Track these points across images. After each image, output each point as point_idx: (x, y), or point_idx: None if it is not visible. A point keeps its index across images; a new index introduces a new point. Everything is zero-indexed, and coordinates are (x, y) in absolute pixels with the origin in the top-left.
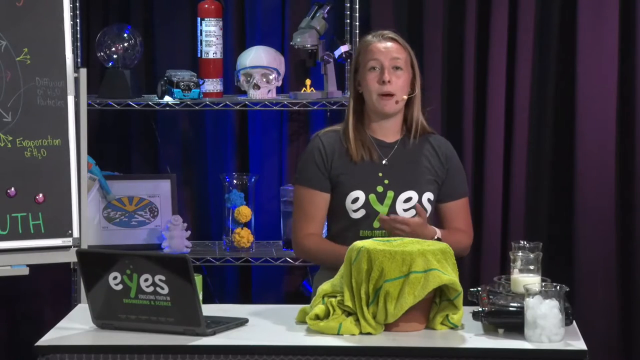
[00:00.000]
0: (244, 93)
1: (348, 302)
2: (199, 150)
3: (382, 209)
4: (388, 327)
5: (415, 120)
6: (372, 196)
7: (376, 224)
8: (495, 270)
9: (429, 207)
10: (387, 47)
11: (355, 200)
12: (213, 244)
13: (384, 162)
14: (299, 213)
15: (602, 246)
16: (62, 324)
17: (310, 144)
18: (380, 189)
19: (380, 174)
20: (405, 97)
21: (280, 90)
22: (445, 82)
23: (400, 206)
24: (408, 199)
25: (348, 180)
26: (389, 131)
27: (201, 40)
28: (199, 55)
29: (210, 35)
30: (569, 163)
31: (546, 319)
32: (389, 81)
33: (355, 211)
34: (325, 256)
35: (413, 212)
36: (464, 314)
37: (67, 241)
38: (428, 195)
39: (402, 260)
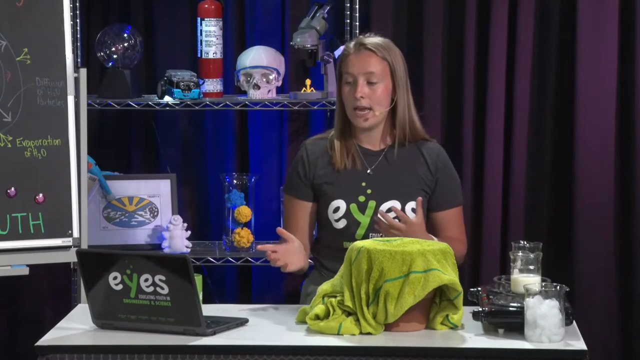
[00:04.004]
0: (244, 93)
1: (348, 302)
2: (199, 150)
3: (364, 219)
4: (388, 327)
5: (402, 127)
6: (353, 206)
7: (359, 235)
8: (495, 270)
9: (412, 217)
10: (362, 60)
11: (337, 209)
12: (213, 244)
13: (368, 171)
14: (285, 221)
15: (602, 246)
16: (62, 324)
17: (297, 153)
18: (362, 198)
19: (364, 184)
20: (381, 111)
21: (280, 90)
22: (445, 82)
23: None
24: (390, 209)
25: (331, 189)
26: (375, 139)
27: (201, 40)
28: (199, 55)
29: (210, 35)
30: (569, 163)
31: (546, 319)
32: (361, 97)
33: (337, 221)
34: None
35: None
36: (464, 314)
37: (67, 241)
38: (412, 205)
39: (402, 260)
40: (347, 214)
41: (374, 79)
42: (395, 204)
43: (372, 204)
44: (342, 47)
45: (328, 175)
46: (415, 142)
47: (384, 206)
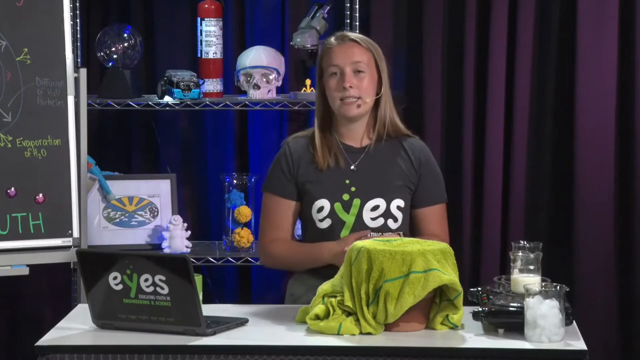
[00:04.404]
0: (244, 93)
1: (348, 302)
2: (199, 150)
3: (349, 218)
4: (388, 327)
5: (383, 122)
6: (337, 205)
7: (343, 234)
8: (495, 270)
9: (399, 214)
10: (347, 50)
11: (321, 209)
12: (213, 244)
13: (352, 167)
14: (265, 220)
15: (602, 246)
16: (62, 324)
17: (279, 151)
18: (346, 197)
19: (348, 181)
20: (370, 100)
21: (280, 90)
22: (445, 82)
23: (367, 215)
24: (375, 207)
25: (314, 188)
26: (357, 135)
27: (201, 40)
28: (199, 55)
29: (210, 35)
30: (569, 163)
31: (546, 319)
32: (350, 86)
33: (321, 221)
34: (296, 258)
35: (381, 220)
36: (464, 314)
37: (67, 241)
38: (397, 203)
39: (402, 260)
40: (332, 214)
41: (361, 67)
42: (380, 202)
43: (356, 202)
44: None
45: (311, 174)
46: (397, 138)
47: (369, 204)
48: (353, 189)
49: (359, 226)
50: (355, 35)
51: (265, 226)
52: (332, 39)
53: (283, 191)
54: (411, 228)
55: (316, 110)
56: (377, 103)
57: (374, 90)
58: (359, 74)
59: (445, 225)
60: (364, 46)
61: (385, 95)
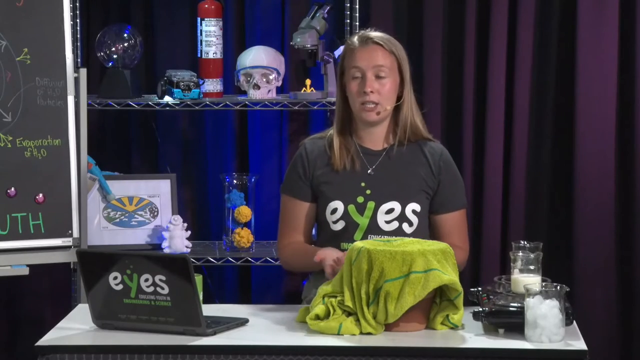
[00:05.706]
0: (244, 93)
1: (348, 302)
2: (199, 150)
3: (363, 221)
4: (388, 327)
5: (404, 126)
6: (351, 207)
7: (357, 237)
8: (495, 270)
9: (414, 218)
10: (370, 54)
11: (334, 211)
12: (213, 244)
13: (369, 171)
14: (282, 222)
15: (602, 246)
16: (62, 324)
17: (296, 153)
18: (360, 199)
19: (363, 184)
20: (390, 106)
21: (280, 90)
22: (445, 82)
23: (381, 217)
24: (390, 210)
25: (329, 189)
26: (376, 138)
27: (201, 40)
28: (199, 55)
29: (210, 35)
30: (569, 163)
31: (546, 319)
32: (371, 91)
33: (335, 222)
34: (299, 260)
35: (395, 224)
36: (464, 314)
37: (67, 241)
38: (413, 207)
39: (403, 260)
40: (345, 215)
41: (383, 72)
42: (395, 205)
43: (371, 204)
44: (342, 47)
45: (326, 176)
46: (417, 142)
47: (384, 207)
48: (368, 191)
49: (373, 229)
50: (378, 36)
51: (282, 229)
52: (355, 39)
53: (298, 193)
54: (430, 233)
55: (336, 111)
56: (398, 107)
57: (395, 96)
58: (381, 80)
59: (464, 233)
60: (387, 49)
61: (406, 100)
